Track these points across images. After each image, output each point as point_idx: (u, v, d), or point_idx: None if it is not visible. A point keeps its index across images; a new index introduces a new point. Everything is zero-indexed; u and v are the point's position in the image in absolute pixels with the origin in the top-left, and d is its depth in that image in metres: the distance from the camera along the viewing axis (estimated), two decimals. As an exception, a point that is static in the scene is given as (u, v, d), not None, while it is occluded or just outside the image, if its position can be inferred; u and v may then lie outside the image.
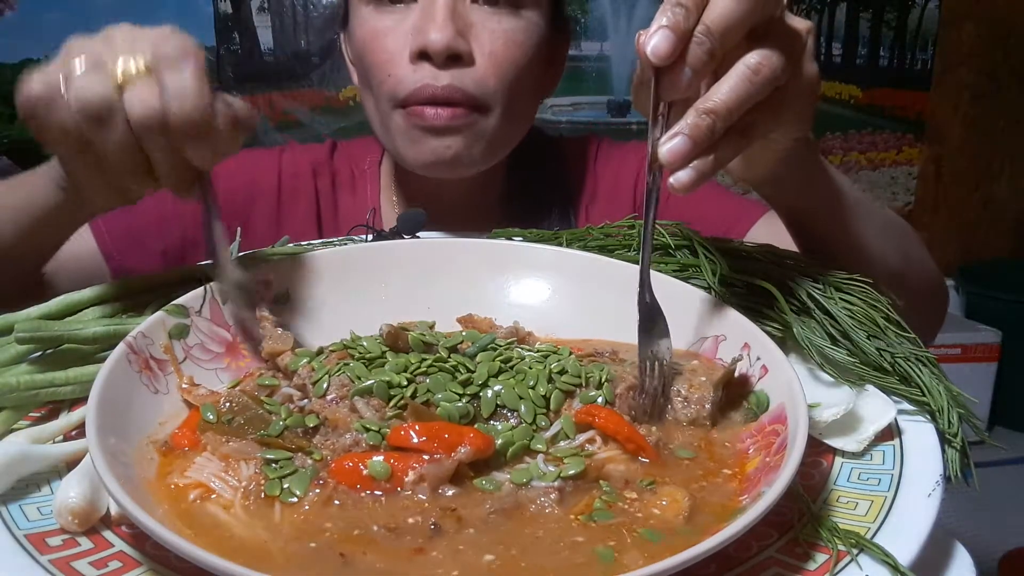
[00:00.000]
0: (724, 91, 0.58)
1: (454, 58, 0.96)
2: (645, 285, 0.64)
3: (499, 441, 0.56)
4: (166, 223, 1.11)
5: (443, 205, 1.04)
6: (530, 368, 0.62)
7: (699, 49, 0.56)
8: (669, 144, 0.57)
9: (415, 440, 0.54)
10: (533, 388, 0.60)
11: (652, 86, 0.58)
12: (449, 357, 0.63)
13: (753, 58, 0.58)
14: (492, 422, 0.59)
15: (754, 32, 0.59)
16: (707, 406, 0.61)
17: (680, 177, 0.58)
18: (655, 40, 0.56)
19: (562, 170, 1.22)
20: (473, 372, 0.61)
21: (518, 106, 1.04)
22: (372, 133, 1.12)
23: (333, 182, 1.20)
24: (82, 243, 1.05)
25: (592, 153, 1.24)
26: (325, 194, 1.19)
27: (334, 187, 1.20)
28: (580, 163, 1.23)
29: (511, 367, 0.63)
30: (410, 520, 0.50)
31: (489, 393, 0.60)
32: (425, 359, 0.62)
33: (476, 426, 0.58)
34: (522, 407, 0.59)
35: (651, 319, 0.63)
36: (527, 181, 1.16)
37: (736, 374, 0.64)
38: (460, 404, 0.58)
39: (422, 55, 0.96)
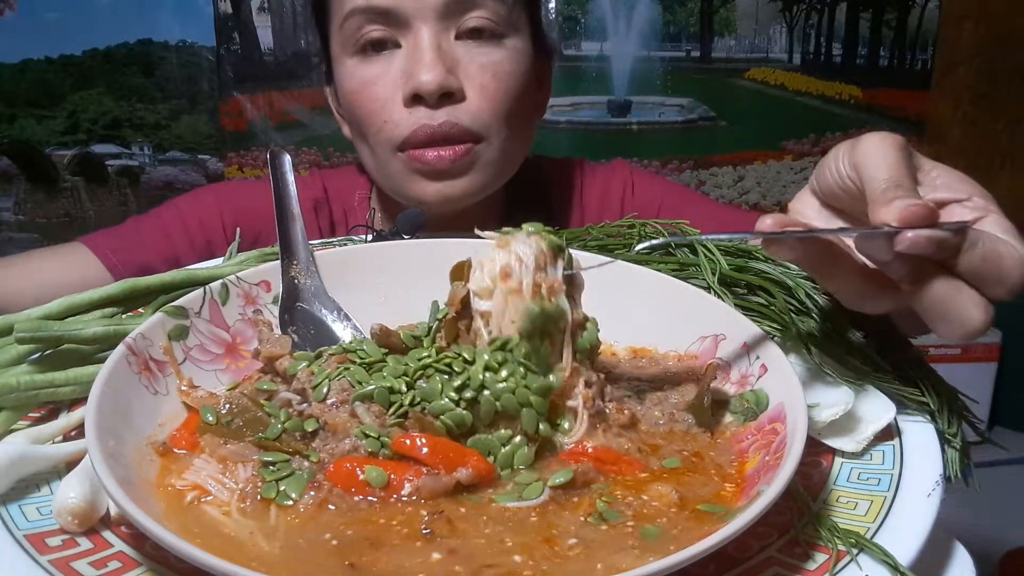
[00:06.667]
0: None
1: (447, 95, 0.97)
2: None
3: (498, 466, 0.56)
4: (171, 239, 1.13)
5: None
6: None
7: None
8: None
9: (423, 451, 0.54)
10: (534, 390, 0.58)
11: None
12: (441, 354, 0.60)
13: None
14: (492, 430, 0.57)
15: None
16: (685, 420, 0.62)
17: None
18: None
19: (548, 193, 1.23)
20: (471, 364, 0.58)
21: (514, 132, 1.05)
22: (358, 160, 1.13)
23: (331, 219, 1.22)
24: (92, 270, 1.08)
25: (577, 176, 1.25)
26: (325, 232, 1.20)
27: (332, 224, 1.22)
28: (566, 187, 1.24)
29: (510, 351, 0.59)
30: (397, 531, 0.50)
31: (487, 393, 0.57)
32: (421, 359, 0.60)
33: (475, 438, 0.56)
34: (524, 414, 0.57)
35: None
36: (520, 205, 1.17)
37: (717, 378, 0.63)
38: (456, 412, 0.56)
39: (415, 98, 0.98)
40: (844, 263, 0.59)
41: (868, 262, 0.58)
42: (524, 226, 0.62)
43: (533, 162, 1.22)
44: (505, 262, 0.59)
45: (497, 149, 1.03)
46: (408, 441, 0.55)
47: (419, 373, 0.60)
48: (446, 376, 0.59)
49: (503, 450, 0.56)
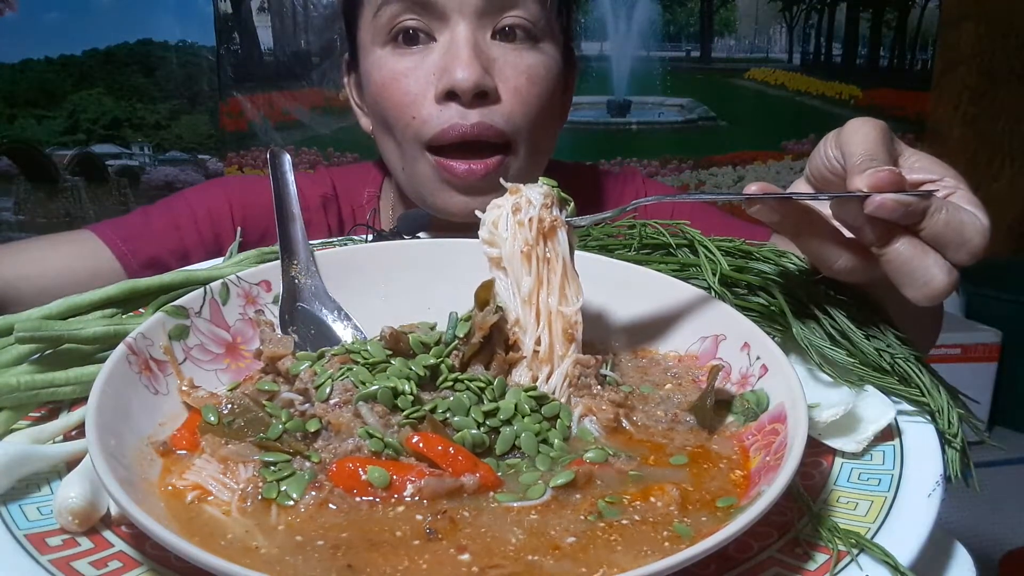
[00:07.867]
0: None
1: (481, 95, 0.95)
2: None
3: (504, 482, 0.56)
4: (180, 231, 1.12)
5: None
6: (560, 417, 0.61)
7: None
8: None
9: (438, 448, 0.54)
10: (554, 445, 0.58)
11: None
12: (472, 375, 0.62)
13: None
14: (503, 458, 0.58)
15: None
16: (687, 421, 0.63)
17: None
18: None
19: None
20: (500, 400, 0.60)
21: (539, 142, 1.03)
22: (371, 156, 1.11)
23: (339, 217, 1.21)
24: (102, 257, 1.07)
25: (590, 182, 1.24)
26: (334, 229, 1.19)
27: (340, 221, 1.21)
28: (579, 192, 1.21)
29: (540, 406, 0.61)
30: (398, 533, 0.50)
31: (509, 431, 0.58)
32: (430, 365, 0.61)
33: (487, 460, 0.57)
34: (538, 460, 0.57)
35: None
36: None
37: (717, 382, 0.64)
38: (479, 433, 0.57)
39: (449, 95, 0.96)
40: (821, 229, 0.65)
41: (844, 230, 0.64)
42: (540, 179, 0.67)
43: (547, 166, 1.22)
44: (516, 201, 0.65)
45: (523, 160, 1.01)
46: (421, 441, 0.55)
47: (445, 384, 0.61)
48: (475, 397, 0.60)
49: (512, 475, 0.56)
